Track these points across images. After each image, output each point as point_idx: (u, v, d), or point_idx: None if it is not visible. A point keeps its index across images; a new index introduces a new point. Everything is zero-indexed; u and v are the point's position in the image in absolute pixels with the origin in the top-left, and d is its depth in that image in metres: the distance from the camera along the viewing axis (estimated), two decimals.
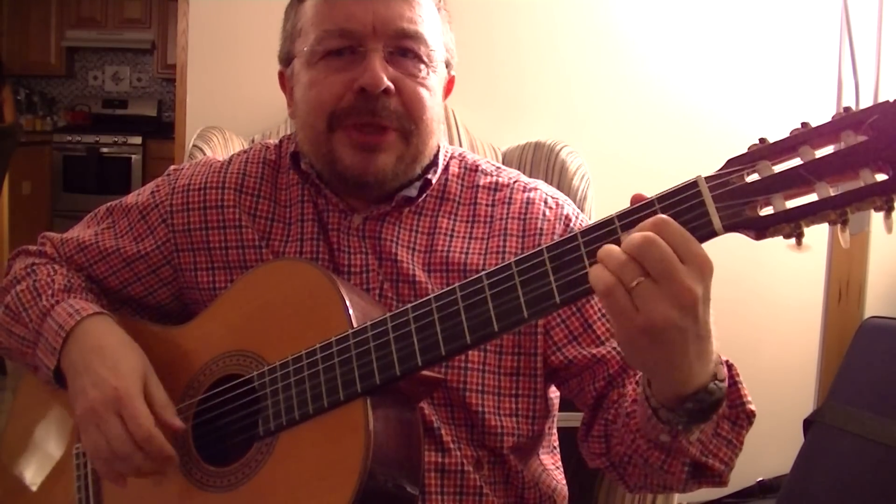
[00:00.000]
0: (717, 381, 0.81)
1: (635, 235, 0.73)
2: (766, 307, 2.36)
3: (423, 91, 1.04)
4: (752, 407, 0.94)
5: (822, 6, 2.27)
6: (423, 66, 1.04)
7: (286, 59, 1.11)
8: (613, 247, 0.74)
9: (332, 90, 1.02)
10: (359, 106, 1.01)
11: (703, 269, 0.73)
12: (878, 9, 2.24)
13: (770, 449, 2.23)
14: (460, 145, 1.97)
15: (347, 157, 1.03)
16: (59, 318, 1.04)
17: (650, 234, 0.72)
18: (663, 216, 0.74)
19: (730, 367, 0.92)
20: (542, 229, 1.08)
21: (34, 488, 1.12)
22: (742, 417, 0.93)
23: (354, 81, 1.01)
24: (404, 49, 1.03)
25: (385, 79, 1.00)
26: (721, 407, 0.84)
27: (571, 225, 1.10)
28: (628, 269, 0.73)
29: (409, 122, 1.03)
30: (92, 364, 0.99)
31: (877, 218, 0.70)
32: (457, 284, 0.85)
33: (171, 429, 0.97)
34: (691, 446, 0.88)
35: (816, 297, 2.34)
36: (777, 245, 0.84)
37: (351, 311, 0.91)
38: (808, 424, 1.91)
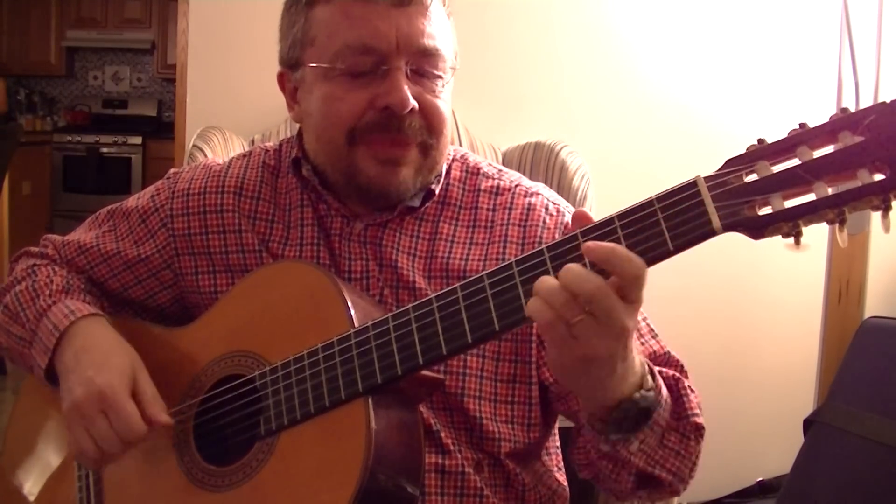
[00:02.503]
0: (642, 391, 0.86)
1: (586, 280, 0.76)
2: (767, 307, 2.37)
3: (441, 104, 1.04)
4: (699, 420, 0.96)
5: (822, 6, 2.27)
6: (440, 81, 1.04)
7: (292, 63, 1.09)
8: (553, 282, 0.77)
9: (353, 108, 1.01)
10: (383, 123, 1.01)
11: (639, 308, 0.79)
12: (878, 9, 2.24)
13: (770, 449, 2.24)
14: (460, 145, 1.97)
15: (370, 169, 1.03)
16: (54, 318, 1.05)
17: (602, 284, 0.76)
18: (619, 252, 0.76)
19: (677, 380, 0.97)
20: (541, 238, 1.08)
21: (36, 489, 1.13)
22: (689, 429, 0.96)
23: (377, 98, 1.00)
24: (424, 65, 1.03)
25: (411, 98, 1.00)
26: (651, 416, 0.88)
27: None
28: (571, 307, 0.76)
29: (431, 136, 1.04)
30: (80, 363, 0.99)
31: (876, 218, 0.71)
32: (458, 284, 0.85)
33: (159, 424, 0.97)
34: (633, 457, 0.91)
35: (816, 298, 2.34)
36: (777, 246, 0.85)
37: (352, 311, 0.91)
38: (808, 424, 1.91)
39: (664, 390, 0.91)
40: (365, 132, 1.02)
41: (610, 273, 0.76)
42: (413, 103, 1.00)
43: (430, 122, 1.03)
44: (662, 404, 0.90)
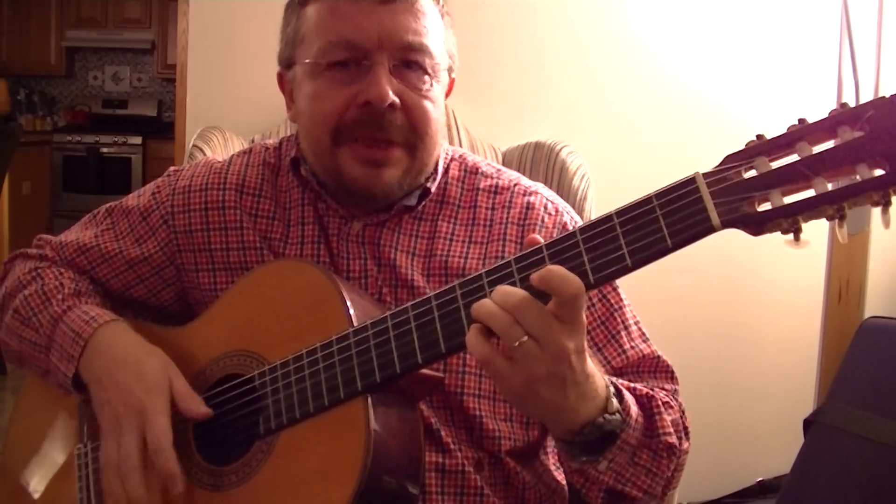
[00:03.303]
0: (605, 415, 0.86)
1: (512, 294, 0.77)
2: (767, 307, 2.36)
3: (427, 104, 1.04)
4: (671, 440, 0.95)
5: (822, 6, 2.27)
6: (427, 78, 1.03)
7: (287, 62, 1.10)
8: (494, 307, 0.78)
9: (335, 104, 1.02)
10: (364, 120, 1.01)
11: (579, 329, 0.79)
12: (878, 9, 2.24)
13: (770, 449, 2.24)
14: (460, 145, 1.97)
15: (354, 170, 1.03)
16: (73, 325, 1.04)
17: (528, 297, 0.77)
18: (555, 271, 0.76)
19: (650, 399, 0.96)
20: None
21: (37, 489, 1.12)
22: (661, 448, 0.95)
23: (359, 95, 1.00)
24: (409, 62, 1.02)
25: (391, 93, 1.00)
26: (618, 437, 0.88)
27: None
28: (513, 330, 0.77)
29: (415, 136, 1.03)
30: (116, 376, 0.98)
31: (876, 216, 0.71)
32: (456, 282, 0.85)
33: (200, 416, 0.96)
34: (602, 475, 0.91)
35: (816, 297, 2.34)
36: (777, 245, 0.84)
37: (351, 310, 0.91)
38: (808, 424, 1.90)
39: (634, 409, 0.91)
40: (348, 131, 1.02)
41: (549, 294, 0.77)
42: (393, 98, 1.00)
43: (413, 120, 1.03)
44: (631, 424, 0.90)
